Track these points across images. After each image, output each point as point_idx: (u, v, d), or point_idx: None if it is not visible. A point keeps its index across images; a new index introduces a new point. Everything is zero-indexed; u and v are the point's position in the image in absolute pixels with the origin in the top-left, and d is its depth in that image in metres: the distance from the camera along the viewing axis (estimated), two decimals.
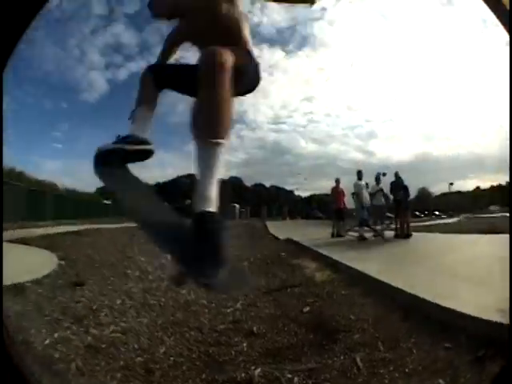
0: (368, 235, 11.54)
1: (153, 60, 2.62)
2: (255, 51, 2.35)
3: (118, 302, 6.86)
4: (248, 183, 36.38)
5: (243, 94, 2.33)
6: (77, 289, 7.61)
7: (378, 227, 11.58)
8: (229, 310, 6.13)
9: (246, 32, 2.26)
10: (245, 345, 4.80)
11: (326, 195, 16.62)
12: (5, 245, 11.51)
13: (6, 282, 7.10)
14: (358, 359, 3.84)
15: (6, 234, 12.97)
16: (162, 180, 35.42)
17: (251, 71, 2.25)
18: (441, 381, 3.07)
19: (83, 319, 5.88)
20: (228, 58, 1.72)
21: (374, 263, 7.18)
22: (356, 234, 11.86)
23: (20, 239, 12.87)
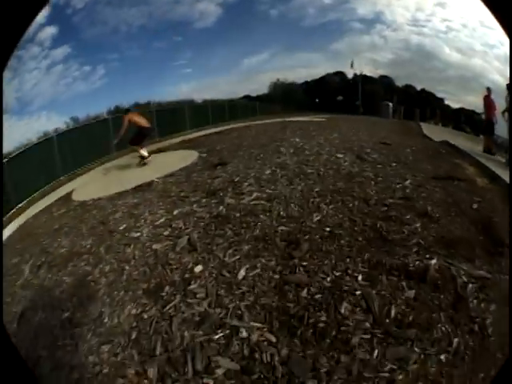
0: None
1: None
2: None
3: (268, 172, 6.52)
4: (398, 83, 35.87)
5: None
6: (217, 168, 7.52)
7: None
8: (398, 186, 5.45)
9: None
10: (418, 225, 4.07)
11: (473, 112, 14.45)
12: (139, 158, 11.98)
13: (132, 185, 7.73)
14: None
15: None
16: (309, 79, 37.22)
17: None
18: None
19: (218, 192, 5.71)
20: None
21: None
22: (505, 157, 10.11)
23: (157, 149, 13.06)
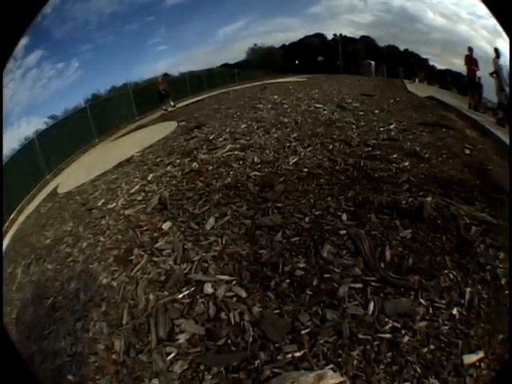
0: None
1: None
2: None
3: (243, 126, 6.22)
4: (380, 44, 35.43)
5: None
6: (194, 131, 7.10)
7: None
8: (382, 129, 5.13)
9: None
10: (407, 163, 3.70)
11: (460, 74, 13.95)
12: (119, 139, 12.69)
13: (113, 164, 7.29)
14: None
15: (121, 132, 14.47)
16: (287, 43, 37.03)
17: None
18: None
19: (193, 151, 5.41)
20: None
21: None
22: (495, 116, 9.91)
23: (135, 127, 13.84)
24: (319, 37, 22.56)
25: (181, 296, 2.24)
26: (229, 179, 3.71)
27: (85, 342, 2.55)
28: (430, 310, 1.85)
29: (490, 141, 5.38)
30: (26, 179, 11.27)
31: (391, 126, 5.17)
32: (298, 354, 1.66)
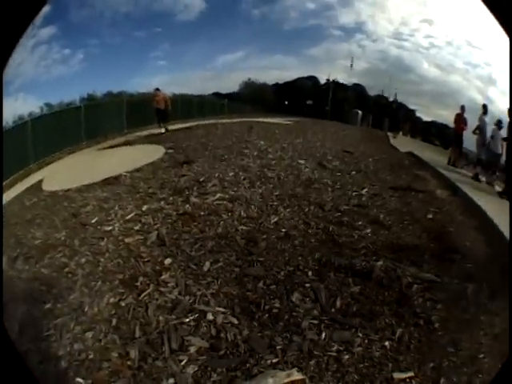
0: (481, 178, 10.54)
1: None
2: None
3: (231, 174, 7.09)
4: (371, 93, 37.22)
5: None
6: (184, 166, 7.96)
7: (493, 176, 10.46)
8: (354, 194, 6.10)
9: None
10: (369, 231, 4.66)
11: (445, 126, 15.50)
12: (106, 150, 12.82)
13: (100, 178, 8.12)
14: (469, 291, 3.62)
15: (109, 143, 14.21)
16: (281, 81, 38.12)
17: None
18: None
19: (184, 191, 6.20)
20: None
21: (488, 204, 6.55)
22: (472, 172, 10.93)
23: (123, 142, 13.84)
24: (312, 80, 23.88)
25: (188, 320, 3.03)
26: (220, 229, 4.63)
27: (96, 350, 3.03)
28: (366, 341, 2.76)
29: (459, 199, 6.52)
30: (13, 161, 11.58)
31: (363, 191, 6.12)
32: (274, 361, 2.57)
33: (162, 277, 3.78)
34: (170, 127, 16.66)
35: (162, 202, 5.83)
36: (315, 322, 2.94)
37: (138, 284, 3.76)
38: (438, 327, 3.04)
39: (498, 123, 10.73)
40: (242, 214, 5.09)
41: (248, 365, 2.56)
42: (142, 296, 3.54)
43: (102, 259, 4.40)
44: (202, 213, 5.19)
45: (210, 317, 3.04)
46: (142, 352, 2.90)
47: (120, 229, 5.16)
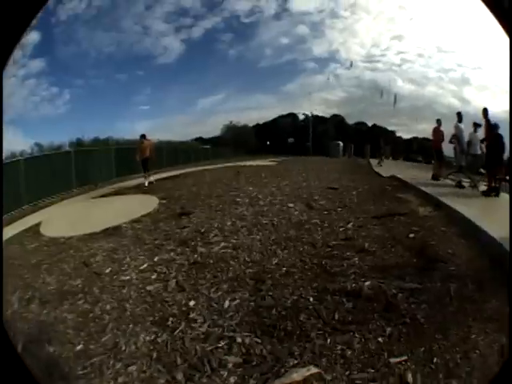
0: (465, 184, 11.56)
1: None
2: None
3: (229, 223, 8.10)
4: (349, 121, 39.27)
5: None
6: (182, 218, 8.96)
7: (476, 178, 11.42)
8: (341, 229, 7.11)
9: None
10: (356, 259, 5.60)
11: (426, 139, 16.79)
12: (99, 199, 13.73)
13: (99, 227, 8.76)
14: (452, 289, 4.45)
15: (100, 191, 15.35)
16: (261, 121, 39.41)
17: None
18: None
19: (189, 241, 7.07)
20: None
21: (471, 208, 7.53)
22: (454, 180, 12.11)
23: (114, 191, 14.87)
24: (291, 116, 25.80)
25: (221, 345, 3.76)
26: (230, 274, 5.43)
27: (142, 380, 3.48)
28: (362, 340, 3.60)
29: (441, 212, 7.40)
30: (7, 198, 11.63)
31: (349, 225, 7.06)
32: (295, 362, 3.35)
33: (190, 316, 4.45)
34: (157, 176, 17.51)
35: (172, 253, 6.61)
36: (321, 332, 3.79)
37: (169, 323, 4.35)
38: (424, 322, 3.80)
39: (475, 126, 11.72)
40: (247, 258, 6.01)
41: (276, 368, 3.31)
42: (176, 332, 4.14)
43: (128, 305, 4.97)
44: (211, 261, 6.02)
45: (238, 340, 3.80)
46: (186, 374, 3.45)
47: (137, 278, 5.77)
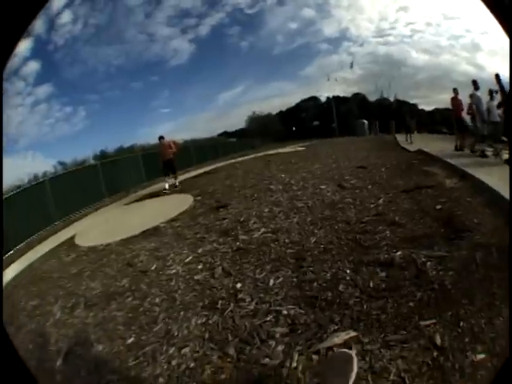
0: (488, 153, 11.44)
1: None
2: None
3: (266, 210, 8.52)
4: (371, 98, 38.27)
5: None
6: (220, 210, 9.38)
7: (499, 146, 11.26)
8: (372, 206, 7.44)
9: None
10: (387, 232, 5.90)
11: (448, 109, 16.34)
12: (133, 204, 13.96)
13: (138, 230, 9.06)
14: (478, 257, 4.58)
15: (132, 197, 15.75)
16: (284, 108, 38.92)
17: None
18: None
19: (230, 231, 7.47)
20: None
21: (494, 178, 7.54)
22: (477, 150, 11.96)
23: (147, 195, 15.26)
24: (314, 100, 25.97)
25: (268, 318, 4.10)
26: (272, 255, 5.73)
27: (196, 359, 3.69)
28: (395, 305, 3.86)
29: (467, 183, 7.59)
30: (36, 217, 12.75)
31: (380, 201, 7.35)
32: (336, 328, 3.65)
33: (238, 296, 4.79)
34: (187, 175, 17.74)
35: (215, 244, 6.95)
36: (357, 299, 4.08)
37: (219, 306, 4.64)
38: (451, 287, 3.97)
39: (491, 93, 11.62)
40: (286, 240, 6.33)
41: (318, 334, 3.62)
42: (226, 313, 4.44)
43: (177, 295, 5.24)
44: (253, 246, 6.39)
45: (284, 312, 4.12)
46: (237, 348, 3.72)
47: (184, 270, 6.07)
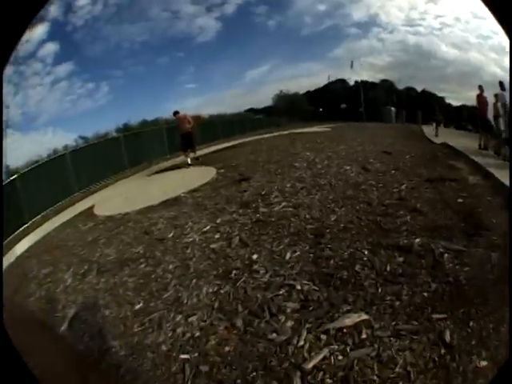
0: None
1: None
2: None
3: (288, 185, 8.46)
4: (399, 86, 37.66)
5: None
6: (242, 183, 9.34)
7: None
8: (395, 190, 7.30)
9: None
10: (408, 218, 5.80)
11: (474, 107, 15.86)
12: (155, 175, 14.05)
13: (158, 200, 9.09)
14: (494, 258, 4.40)
15: (154, 168, 15.79)
16: (312, 88, 38.74)
17: None
18: None
19: (250, 203, 7.44)
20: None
21: None
22: (501, 152, 11.23)
23: (170, 167, 15.18)
24: (341, 83, 25.59)
25: (281, 292, 4.07)
26: (291, 229, 5.69)
27: (202, 328, 3.68)
28: (410, 292, 3.77)
29: (489, 183, 7.38)
30: (54, 190, 12.93)
31: (403, 187, 7.19)
32: (348, 308, 3.59)
33: (253, 267, 4.77)
34: (212, 148, 17.72)
35: (234, 215, 6.94)
36: (373, 281, 4.01)
37: (232, 276, 4.64)
38: (465, 283, 3.86)
39: None
40: (307, 216, 6.28)
41: (330, 313, 3.57)
42: (239, 283, 4.42)
43: (191, 263, 5.27)
44: (273, 219, 6.35)
45: (298, 287, 4.09)
46: (246, 320, 3.69)
47: (201, 239, 6.09)
